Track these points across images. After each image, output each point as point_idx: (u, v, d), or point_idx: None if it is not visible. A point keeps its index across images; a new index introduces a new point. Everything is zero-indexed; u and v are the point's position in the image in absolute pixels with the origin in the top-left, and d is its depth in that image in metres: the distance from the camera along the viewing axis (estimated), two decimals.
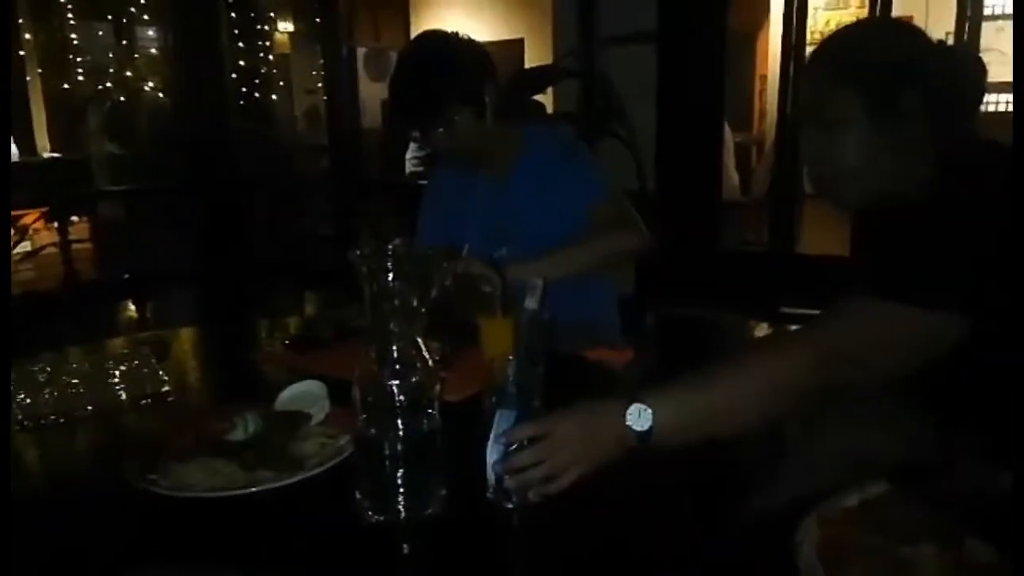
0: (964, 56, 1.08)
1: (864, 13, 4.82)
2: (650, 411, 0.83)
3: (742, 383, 0.89)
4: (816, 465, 0.99)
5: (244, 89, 4.57)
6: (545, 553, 0.79)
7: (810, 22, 4.20)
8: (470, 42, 1.57)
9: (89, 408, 1.12)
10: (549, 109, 3.91)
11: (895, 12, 4.34)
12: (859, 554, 0.67)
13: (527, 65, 7.27)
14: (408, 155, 4.90)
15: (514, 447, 0.79)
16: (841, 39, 1.07)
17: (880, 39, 1.04)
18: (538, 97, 3.64)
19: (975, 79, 1.03)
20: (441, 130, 1.50)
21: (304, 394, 1.01)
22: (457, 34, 1.56)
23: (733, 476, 0.96)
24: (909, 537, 0.68)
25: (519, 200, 1.57)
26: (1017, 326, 0.84)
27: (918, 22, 5.79)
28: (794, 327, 1.71)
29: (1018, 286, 0.83)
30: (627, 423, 0.82)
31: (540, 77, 3.53)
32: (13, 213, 4.98)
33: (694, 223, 3.22)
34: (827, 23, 6.14)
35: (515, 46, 7.52)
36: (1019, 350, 0.85)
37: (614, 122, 3.19)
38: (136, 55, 5.39)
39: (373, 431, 0.78)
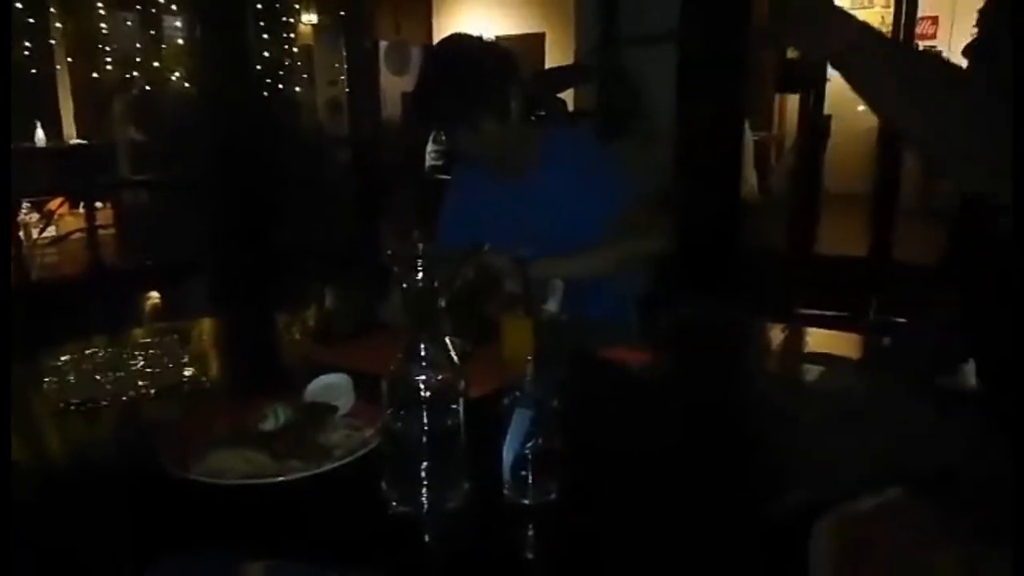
0: None
1: (889, 13, 4.77)
2: None
3: None
4: (836, 466, 1.00)
5: (268, 80, 4.61)
6: (562, 549, 0.81)
7: None
8: (495, 45, 1.59)
9: (118, 396, 1.15)
10: (570, 106, 3.92)
11: (920, 11, 4.32)
12: (874, 558, 0.68)
13: (547, 59, 7.27)
14: (428, 148, 4.93)
15: (530, 445, 0.81)
16: None
17: None
18: (559, 95, 3.65)
19: None
20: (466, 132, 1.52)
21: (330, 386, 1.03)
22: (482, 37, 1.58)
23: (751, 476, 0.97)
24: (925, 542, 0.69)
25: (540, 201, 1.59)
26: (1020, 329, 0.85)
27: (943, 22, 5.73)
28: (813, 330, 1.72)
29: (1018, 286, 0.83)
30: None
31: (563, 77, 3.54)
32: (39, 198, 5.08)
33: (713, 223, 3.22)
34: None
35: (535, 40, 7.52)
36: (1017, 350, 0.85)
37: (634, 121, 3.19)
38: (163, 45, 5.45)
39: (400, 424, 0.81)
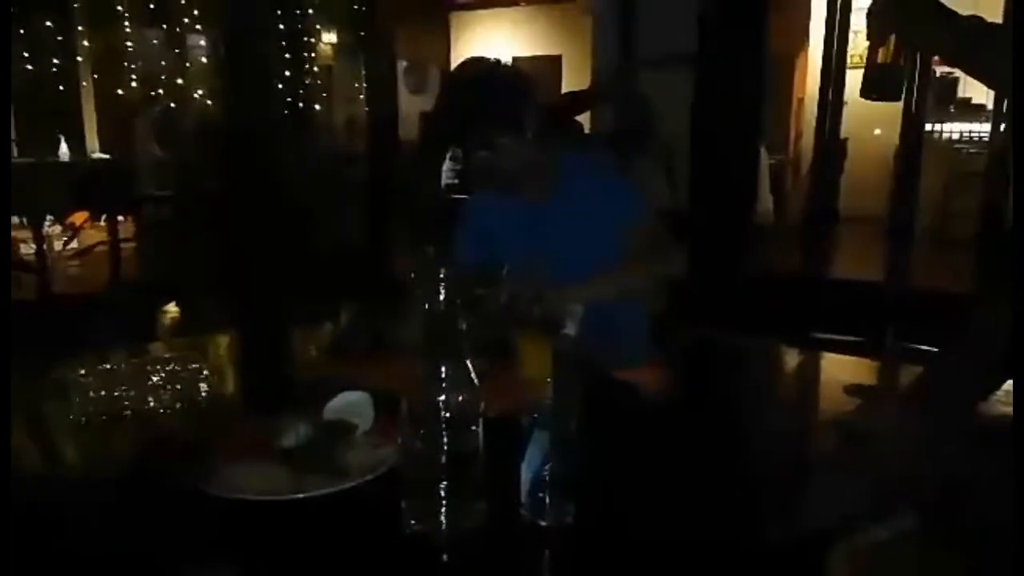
0: None
1: None
2: None
3: None
4: (845, 493, 1.00)
5: (289, 98, 4.69)
6: (578, 572, 0.82)
7: (850, 46, 4.20)
8: (513, 68, 1.62)
9: (137, 410, 1.17)
10: (586, 128, 3.95)
11: None
12: None
13: (564, 81, 7.33)
14: (445, 167, 4.96)
15: (548, 466, 0.82)
16: None
17: None
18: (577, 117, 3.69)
19: None
20: (484, 154, 1.54)
21: (351, 404, 1.05)
22: (500, 61, 1.61)
23: (763, 502, 0.97)
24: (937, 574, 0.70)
25: (556, 223, 1.60)
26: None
27: None
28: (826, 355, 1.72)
29: (1017, 288, 0.83)
30: None
31: (581, 100, 3.58)
32: (64, 212, 5.16)
33: (727, 245, 3.23)
34: (868, 47, 6.08)
35: (553, 63, 7.59)
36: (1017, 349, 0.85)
37: (650, 143, 3.22)
38: (187, 63, 5.56)
39: (419, 444, 0.82)
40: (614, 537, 0.84)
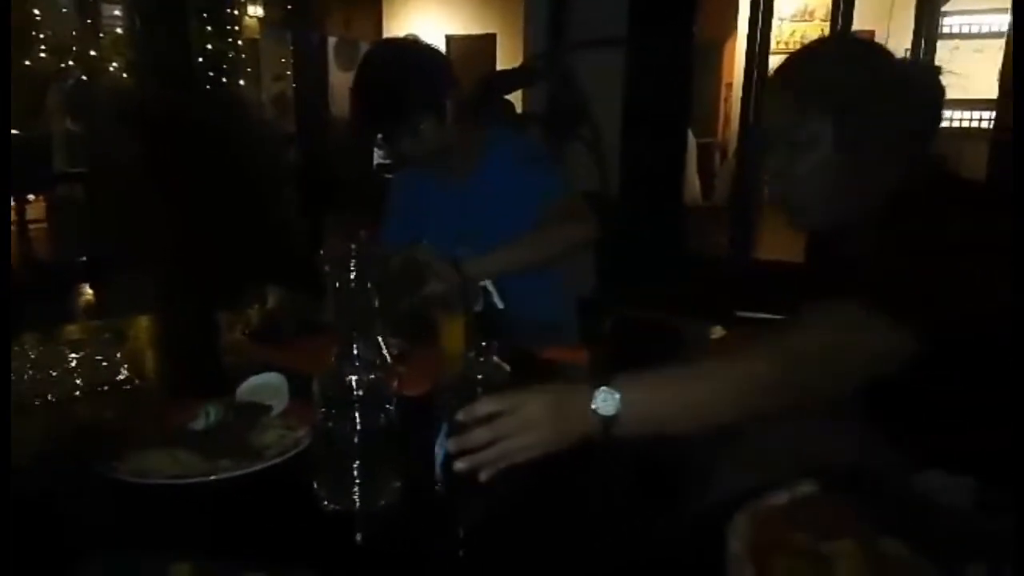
0: (926, 76, 1.09)
1: (828, 26, 4.95)
2: (618, 395, 0.82)
3: (715, 382, 0.89)
4: (759, 462, 1.04)
5: (211, 73, 4.52)
6: (491, 545, 0.83)
7: (775, 33, 4.33)
8: (432, 49, 1.59)
9: (46, 396, 1.13)
10: (518, 108, 3.95)
11: (857, 26, 4.49)
12: (784, 550, 0.72)
13: (499, 60, 7.30)
14: (376, 147, 4.90)
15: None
16: (807, 59, 1.08)
17: (846, 61, 1.05)
18: (508, 97, 3.68)
19: (936, 100, 1.07)
20: (404, 135, 1.52)
21: (264, 386, 1.03)
22: (418, 40, 1.59)
23: (677, 470, 1.01)
24: (831, 534, 0.74)
25: (479, 203, 1.60)
26: (965, 345, 0.90)
27: (879, 38, 5.98)
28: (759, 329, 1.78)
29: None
30: (593, 406, 0.82)
31: (511, 79, 3.57)
32: None
33: (656, 227, 3.29)
34: (792, 34, 6.28)
35: (487, 41, 7.54)
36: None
37: (580, 125, 3.24)
38: (101, 34, 5.28)
39: (331, 424, 0.81)
40: (528, 512, 0.86)
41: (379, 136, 1.66)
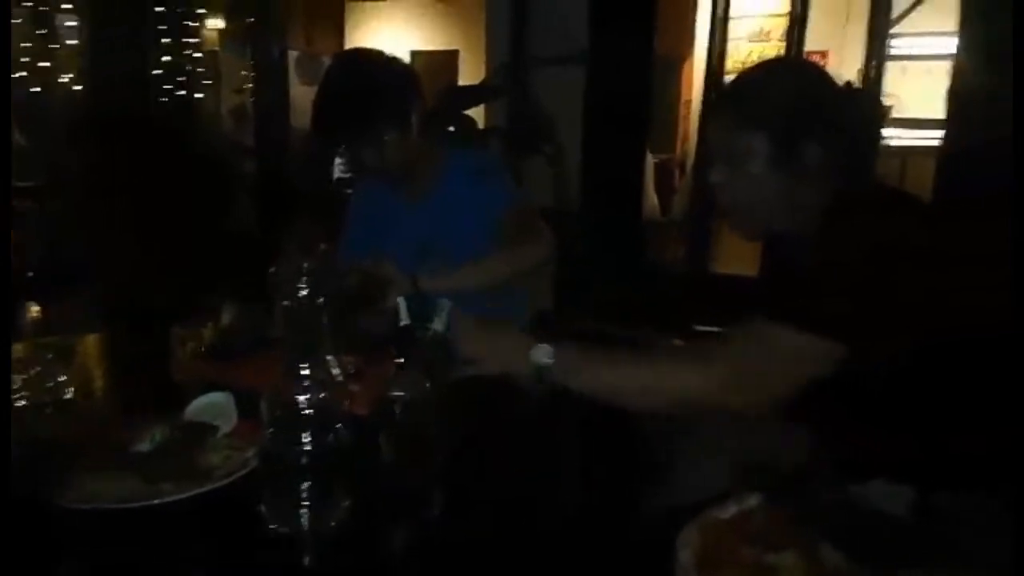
0: (867, 100, 1.15)
1: (784, 46, 5.08)
2: (552, 352, 0.94)
3: (648, 378, 0.99)
4: (707, 472, 1.06)
5: (168, 86, 4.44)
6: (442, 564, 0.83)
7: (733, 52, 4.43)
8: (397, 61, 1.60)
9: None
10: (480, 123, 3.96)
11: (810, 47, 4.61)
12: (730, 560, 0.73)
13: (461, 76, 7.32)
14: (336, 161, 4.86)
15: None
16: (749, 83, 1.13)
17: (786, 86, 1.09)
18: (469, 112, 3.69)
19: (876, 124, 1.11)
20: (367, 147, 1.52)
21: (212, 405, 1.01)
22: (383, 53, 1.59)
23: (625, 479, 1.02)
24: (776, 545, 0.75)
25: (440, 218, 1.61)
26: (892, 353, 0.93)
27: (831, 58, 6.15)
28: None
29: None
30: (530, 353, 0.93)
31: (472, 95, 3.59)
32: None
33: (615, 242, 3.32)
34: (749, 54, 6.42)
35: (449, 57, 7.56)
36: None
37: (542, 140, 3.27)
38: (54, 45, 5.16)
39: (279, 444, 0.80)
40: (478, 529, 0.86)
41: (342, 148, 1.66)
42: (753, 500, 0.82)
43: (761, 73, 1.18)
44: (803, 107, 1.06)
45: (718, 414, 1.13)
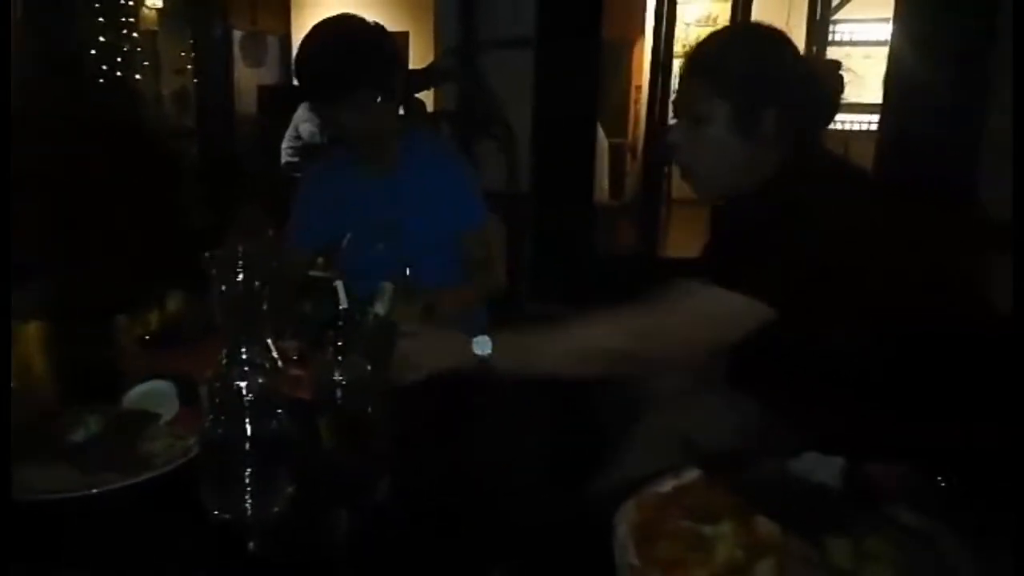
0: (825, 69, 1.18)
1: None
2: (490, 342, 1.00)
3: (570, 343, 1.06)
4: (651, 450, 1.09)
5: (104, 67, 4.28)
6: (387, 551, 0.83)
7: (681, 37, 4.46)
8: (383, 29, 1.58)
9: None
10: (429, 107, 3.94)
11: None
12: (667, 533, 0.76)
13: (411, 58, 7.23)
14: (284, 145, 4.77)
15: None
16: (713, 44, 1.15)
17: (750, 50, 1.12)
18: (419, 95, 3.66)
19: (832, 93, 1.14)
20: (352, 112, 1.49)
21: (152, 393, 1.00)
22: (366, 19, 1.56)
23: (570, 458, 1.04)
24: (712, 518, 0.77)
25: (406, 194, 1.60)
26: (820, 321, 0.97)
27: None
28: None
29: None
30: (472, 347, 0.99)
31: (422, 78, 3.55)
32: None
33: (566, 225, 3.34)
34: (697, 38, 6.49)
35: (399, 39, 7.46)
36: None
37: (492, 123, 3.26)
38: None
39: (220, 431, 0.79)
40: (423, 515, 0.86)
41: (290, 130, 1.65)
42: (691, 474, 0.85)
43: (727, 37, 1.21)
44: (766, 73, 1.08)
45: (664, 393, 1.16)
